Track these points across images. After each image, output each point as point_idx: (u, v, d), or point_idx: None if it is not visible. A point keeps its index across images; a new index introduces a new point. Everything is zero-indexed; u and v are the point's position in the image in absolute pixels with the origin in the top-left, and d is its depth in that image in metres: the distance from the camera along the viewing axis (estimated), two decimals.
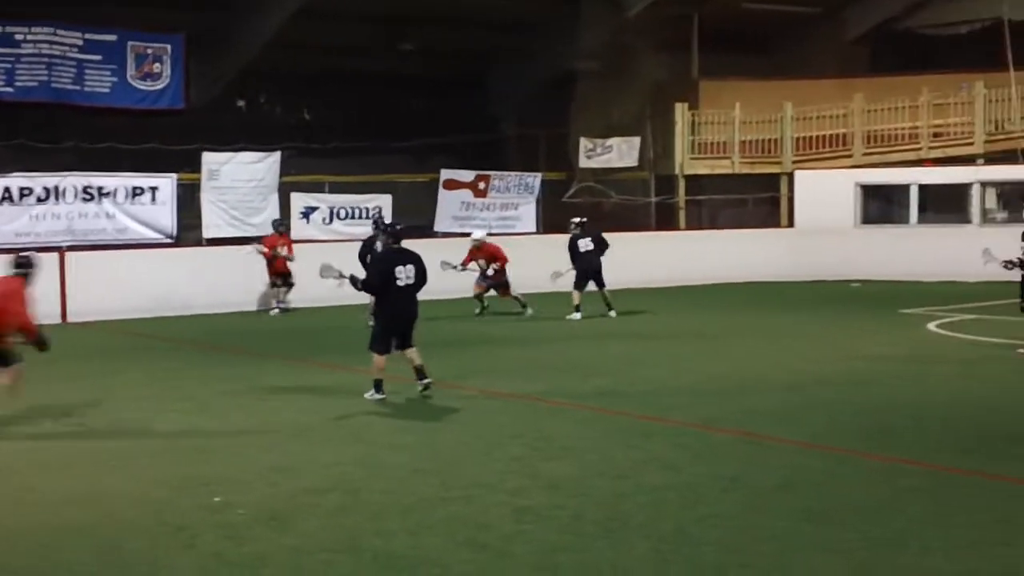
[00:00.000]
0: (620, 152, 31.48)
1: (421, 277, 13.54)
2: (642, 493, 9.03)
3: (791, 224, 30.94)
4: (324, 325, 21.87)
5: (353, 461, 10.29)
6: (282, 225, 25.06)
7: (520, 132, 34.64)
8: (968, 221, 29.01)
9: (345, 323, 21.85)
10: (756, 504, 8.68)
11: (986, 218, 29.15)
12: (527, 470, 9.84)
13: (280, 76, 33.00)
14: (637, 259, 26.46)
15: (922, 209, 29.82)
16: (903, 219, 29.98)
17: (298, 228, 26.70)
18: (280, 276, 24.28)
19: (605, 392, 13.68)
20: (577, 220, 22.80)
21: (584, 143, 31.40)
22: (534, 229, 29.82)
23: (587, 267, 21.87)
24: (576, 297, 21.83)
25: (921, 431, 11.33)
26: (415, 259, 13.58)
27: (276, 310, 24.06)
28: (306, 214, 26.95)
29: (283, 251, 24.29)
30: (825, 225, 29.79)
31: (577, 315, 21.58)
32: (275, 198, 26.57)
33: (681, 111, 31.63)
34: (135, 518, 8.58)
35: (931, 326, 19.52)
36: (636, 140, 31.70)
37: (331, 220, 27.23)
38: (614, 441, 11.04)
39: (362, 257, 19.66)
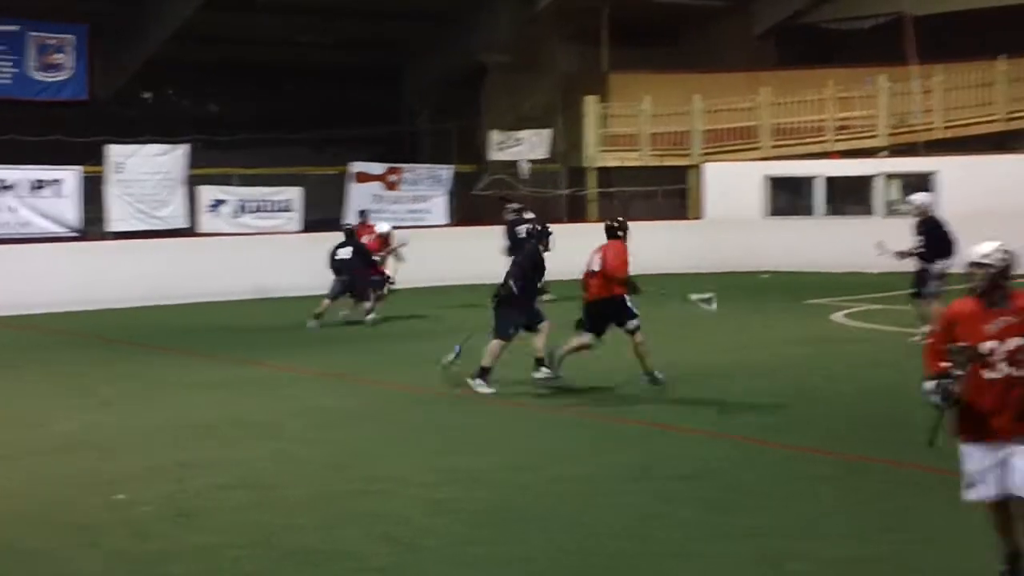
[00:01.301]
0: (530, 144, 31.50)
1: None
2: (552, 484, 9.08)
3: (701, 216, 31.19)
4: (235, 321, 21.65)
5: (264, 457, 10.21)
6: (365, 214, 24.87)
7: (432, 124, 34.59)
8: (872, 213, 29.44)
9: (255, 318, 21.70)
10: (663, 493, 8.76)
11: (890, 210, 29.59)
12: (440, 463, 9.84)
13: (187, 67, 32.62)
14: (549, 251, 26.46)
15: (828, 201, 30.20)
16: (810, 211, 30.35)
17: (207, 222, 26.42)
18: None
19: (518, 384, 13.68)
20: (515, 206, 23.03)
21: (494, 135, 31.40)
22: (445, 222, 29.76)
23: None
24: None
25: (828, 420, 11.49)
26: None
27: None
28: (214, 207, 26.64)
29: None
30: (734, 217, 30.07)
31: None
32: (182, 191, 26.25)
33: (591, 104, 31.74)
34: (36, 517, 8.44)
35: (837, 316, 19.78)
36: (547, 132, 31.75)
37: (240, 213, 26.94)
38: (526, 433, 11.09)
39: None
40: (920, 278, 16.39)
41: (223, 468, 9.81)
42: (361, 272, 19.94)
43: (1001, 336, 6.37)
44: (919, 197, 17.49)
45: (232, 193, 27.11)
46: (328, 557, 7.41)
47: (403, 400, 13.02)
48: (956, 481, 8.88)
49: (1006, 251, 6.41)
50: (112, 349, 18.08)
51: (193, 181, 26.52)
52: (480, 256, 25.71)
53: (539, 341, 13.33)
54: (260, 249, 25.93)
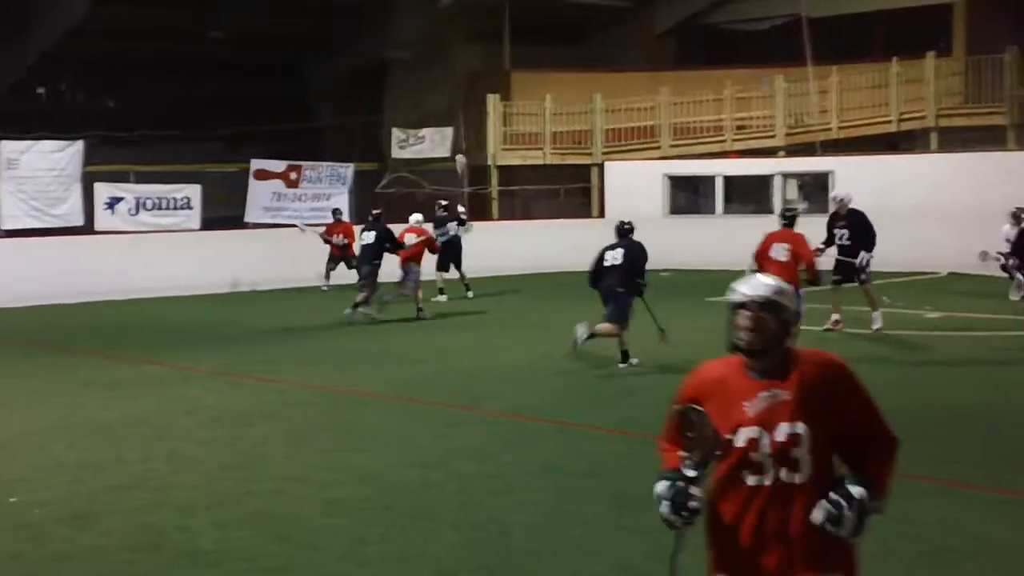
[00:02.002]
0: (432, 142, 31.49)
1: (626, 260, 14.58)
2: (453, 482, 9.07)
3: (602, 215, 31.36)
4: (132, 319, 21.37)
5: (159, 457, 10.08)
6: (338, 213, 26.28)
7: (334, 121, 34.40)
8: (771, 211, 29.80)
9: (152, 317, 21.45)
10: (566, 490, 8.79)
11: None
12: (336, 462, 9.79)
13: (83, 62, 32.16)
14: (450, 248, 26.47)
15: (727, 200, 30.55)
16: (709, 209, 30.70)
17: (103, 219, 26.04)
18: (340, 260, 24.92)
19: (417, 382, 13.68)
20: (445, 203, 23.88)
21: (397, 133, 31.32)
22: (346, 220, 29.57)
23: (451, 250, 23.21)
24: (440, 279, 23.08)
25: None
26: (624, 245, 14.82)
27: (326, 287, 24.93)
28: (111, 205, 26.25)
29: (339, 239, 25.00)
30: (635, 215, 30.00)
31: (443, 297, 22.65)
32: (78, 188, 25.84)
33: (493, 102, 31.78)
34: None
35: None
36: (449, 131, 31.76)
37: (137, 211, 26.58)
38: (425, 431, 11.05)
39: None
40: (844, 269, 16.91)
41: (117, 469, 9.67)
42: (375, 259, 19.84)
43: (767, 420, 4.21)
44: (843, 192, 18.06)
45: (129, 190, 26.75)
46: (221, 558, 7.33)
47: (301, 399, 12.92)
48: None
49: (781, 290, 4.35)
50: (5, 348, 17.74)
51: (89, 178, 26.13)
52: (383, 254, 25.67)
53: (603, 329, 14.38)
54: (158, 247, 25.65)
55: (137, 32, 31.74)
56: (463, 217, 24.21)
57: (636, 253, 14.77)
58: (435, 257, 22.56)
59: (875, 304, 16.96)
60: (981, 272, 22.97)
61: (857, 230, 17.14)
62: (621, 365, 14.43)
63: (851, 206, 17.54)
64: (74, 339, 18.60)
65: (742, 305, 4.32)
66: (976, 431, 10.73)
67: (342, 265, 24.51)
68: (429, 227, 22.29)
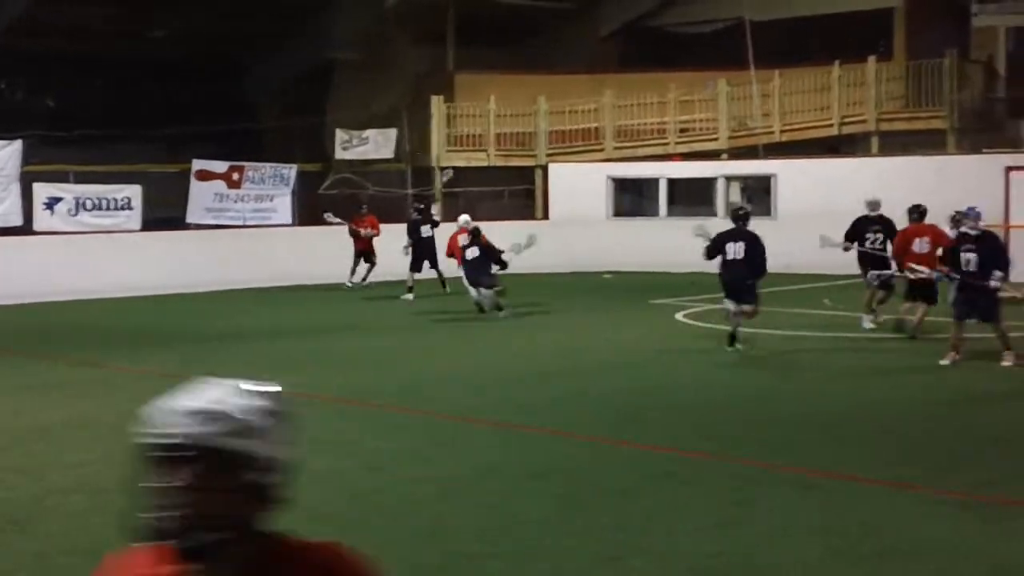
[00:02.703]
0: (376, 144, 31.40)
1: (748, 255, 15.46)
2: (397, 485, 9.04)
3: (547, 216, 31.42)
4: (73, 321, 21.13)
5: (99, 460, 9.95)
6: (364, 207, 26.56)
7: (277, 122, 34.20)
8: (714, 214, 29.98)
9: (94, 318, 21.22)
10: (510, 493, 8.79)
11: (730, 210, 30.17)
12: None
13: (23, 60, 31.71)
14: (395, 250, 26.39)
15: (671, 202, 30.68)
16: (653, 212, 30.81)
17: (42, 220, 25.73)
18: (362, 254, 25.88)
19: (362, 385, 13.62)
20: (420, 205, 24.58)
21: (340, 134, 31.19)
22: (289, 221, 29.45)
23: (427, 250, 23.73)
24: (410, 279, 23.52)
25: (668, 417, 11.66)
26: (745, 237, 15.70)
27: (350, 283, 25.66)
28: (50, 205, 25.92)
29: (367, 231, 25.87)
30: (579, 217, 30.36)
31: (410, 296, 23.04)
32: (17, 188, 25.51)
33: (437, 103, 31.74)
34: None
35: (678, 315, 20.09)
36: (393, 132, 31.68)
37: (77, 211, 26.27)
38: (369, 434, 11.01)
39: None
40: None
41: (58, 472, 9.56)
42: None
43: None
44: (876, 195, 18.46)
45: (69, 190, 26.42)
46: None
47: None
48: (791, 476, 9.14)
49: (240, 425, 2.52)
50: None
51: (28, 178, 25.81)
52: (325, 256, 25.61)
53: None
54: (98, 247, 25.39)
55: (78, 31, 31.39)
56: (436, 219, 24.82)
57: (756, 247, 15.56)
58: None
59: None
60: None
61: (890, 235, 17.75)
62: (729, 348, 15.46)
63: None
64: (12, 340, 18.34)
65: (166, 453, 2.47)
66: (915, 433, 10.83)
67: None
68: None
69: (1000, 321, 14.29)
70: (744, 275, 15.47)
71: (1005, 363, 14.03)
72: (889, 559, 7.18)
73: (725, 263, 15.67)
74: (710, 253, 15.90)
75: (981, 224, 15.01)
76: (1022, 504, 8.31)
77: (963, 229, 15.15)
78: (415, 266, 23.82)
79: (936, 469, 9.35)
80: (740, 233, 15.77)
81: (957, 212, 20.46)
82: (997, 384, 13.36)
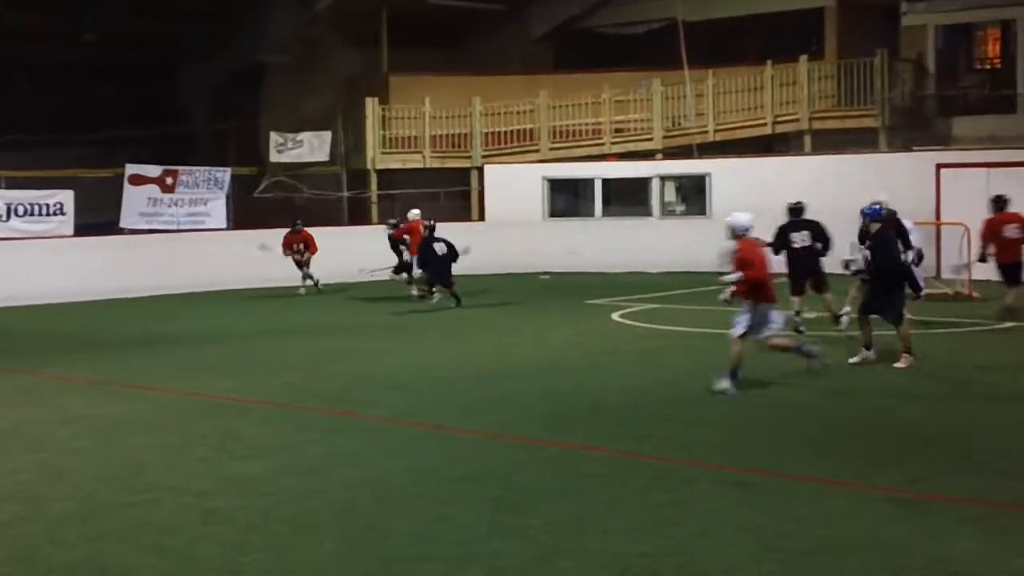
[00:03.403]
0: (311, 146, 31.26)
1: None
2: (332, 489, 9.00)
3: (482, 217, 31.42)
4: (4, 327, 20.87)
5: (30, 469, 9.85)
6: (298, 222, 26.10)
7: (210, 125, 33.97)
8: (650, 214, 30.14)
9: (26, 325, 20.98)
10: (445, 496, 8.77)
11: (665, 211, 30.35)
12: (215, 471, 9.65)
13: None
14: (330, 254, 26.31)
15: (606, 202, 30.78)
16: (589, 212, 30.89)
17: None
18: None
19: (296, 388, 13.56)
20: (430, 223, 23.06)
21: (275, 137, 31.03)
22: (224, 225, 29.25)
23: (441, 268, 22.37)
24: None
25: (601, 417, 11.69)
26: (810, 225, 17.15)
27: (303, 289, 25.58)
28: None
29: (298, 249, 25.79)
30: (515, 218, 30.39)
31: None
32: None
33: (371, 105, 31.65)
34: None
35: (614, 316, 20.16)
36: (327, 135, 31.56)
37: (8, 217, 25.94)
38: (305, 438, 10.95)
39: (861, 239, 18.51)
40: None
41: None
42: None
43: None
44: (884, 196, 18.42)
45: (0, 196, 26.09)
46: (95, 571, 7.19)
47: (179, 407, 12.72)
48: (724, 475, 9.20)
49: None
50: None
51: None
52: (260, 260, 25.45)
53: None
54: (30, 253, 25.10)
55: (8, 34, 31.01)
56: (391, 220, 25.11)
57: (821, 233, 17.17)
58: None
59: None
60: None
61: (819, 235, 17.72)
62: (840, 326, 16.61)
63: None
64: None
65: None
66: (847, 431, 10.94)
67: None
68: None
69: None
70: (818, 253, 17.11)
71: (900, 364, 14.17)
72: (822, 556, 7.23)
73: (793, 252, 17.02)
74: (776, 248, 16.84)
75: (908, 223, 15.31)
76: (951, 500, 8.40)
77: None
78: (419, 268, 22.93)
79: (866, 466, 9.44)
80: (804, 222, 17.33)
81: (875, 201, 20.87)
82: (927, 383, 13.51)
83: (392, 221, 25.14)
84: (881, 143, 29.39)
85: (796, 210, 17.59)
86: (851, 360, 14.35)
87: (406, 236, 23.73)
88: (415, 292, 23.04)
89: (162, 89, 34.30)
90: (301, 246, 25.66)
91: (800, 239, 17.17)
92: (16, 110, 31.82)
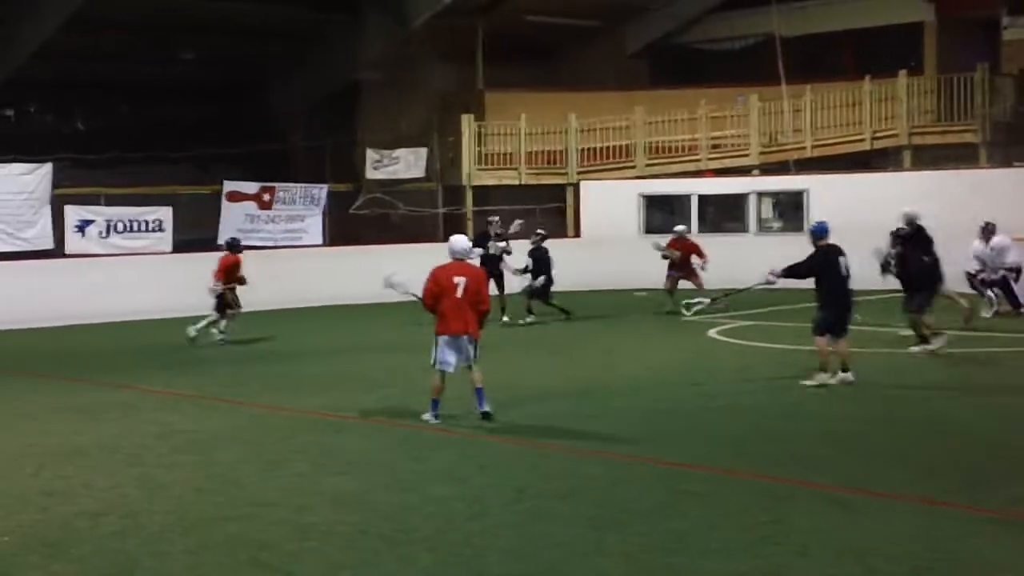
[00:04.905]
0: (407, 163, 31.42)
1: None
2: (428, 505, 8.98)
3: (578, 234, 31.36)
4: (103, 344, 21.20)
5: (130, 483, 9.96)
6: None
7: (306, 143, 34.30)
8: (746, 230, 29.87)
9: (124, 341, 21.28)
10: (541, 513, 8.71)
11: (762, 227, 30.07)
12: (311, 487, 9.68)
13: (51, 84, 31.96)
14: (419, 270, 26.33)
15: (702, 218, 30.55)
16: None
17: (74, 243, 25.87)
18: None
19: (389, 404, 13.57)
20: (542, 232, 23.48)
21: (371, 154, 31.24)
22: (320, 241, 29.50)
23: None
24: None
25: (701, 435, 11.56)
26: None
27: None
28: (81, 228, 26.06)
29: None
30: (611, 234, 30.28)
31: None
32: (48, 211, 25.65)
33: (467, 122, 31.75)
34: None
35: (710, 332, 19.98)
36: (423, 151, 31.71)
37: (108, 234, 26.40)
38: (399, 454, 10.96)
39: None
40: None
41: (87, 495, 9.54)
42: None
43: None
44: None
45: (100, 213, 26.56)
46: None
47: (275, 422, 12.80)
48: (823, 493, 9.04)
49: None
50: None
51: (59, 201, 25.95)
52: (356, 276, 25.58)
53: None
54: (129, 270, 25.48)
55: (106, 54, 31.59)
56: (499, 233, 23.32)
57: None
58: None
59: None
60: (957, 290, 23.02)
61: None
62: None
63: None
64: (44, 364, 18.41)
65: None
66: (950, 449, 10.71)
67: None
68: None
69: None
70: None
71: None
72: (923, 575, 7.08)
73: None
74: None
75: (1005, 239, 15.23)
76: None
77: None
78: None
79: (970, 486, 9.22)
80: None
81: (987, 222, 20.60)
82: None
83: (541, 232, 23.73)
84: (981, 159, 28.87)
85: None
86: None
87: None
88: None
89: (257, 107, 34.71)
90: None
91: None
92: (114, 129, 32.43)
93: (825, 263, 14.24)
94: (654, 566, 7.37)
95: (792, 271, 14.67)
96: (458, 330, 12.22)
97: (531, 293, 22.41)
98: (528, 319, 22.14)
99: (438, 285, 12.24)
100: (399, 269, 13.76)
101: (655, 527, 8.22)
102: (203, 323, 19.76)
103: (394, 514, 8.74)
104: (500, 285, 22.10)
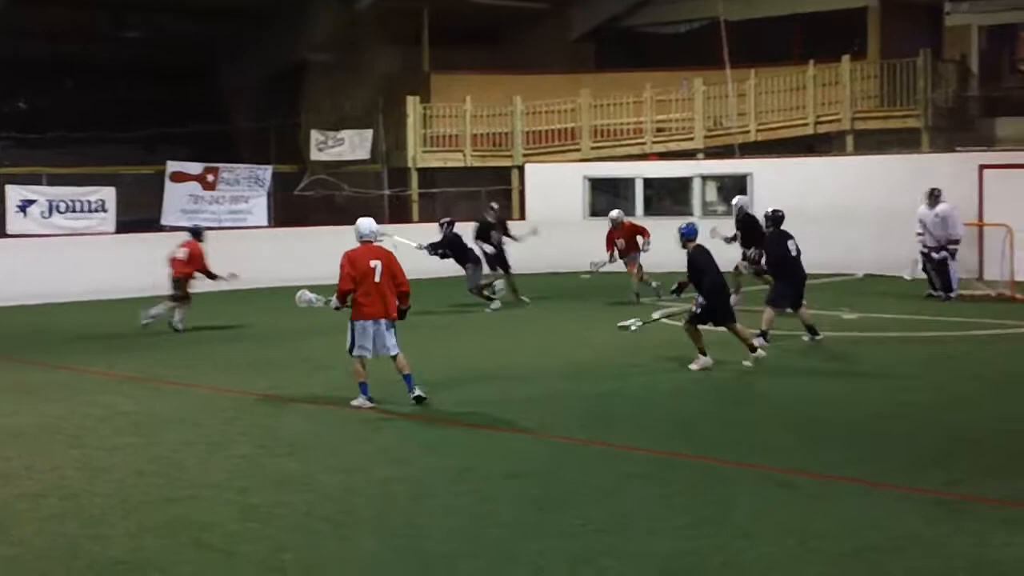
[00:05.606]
0: (352, 145, 31.31)
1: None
2: (371, 487, 8.99)
3: (523, 216, 31.36)
4: (47, 324, 21.01)
5: (72, 464, 9.89)
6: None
7: (251, 123, 34.10)
8: (691, 213, 30.00)
9: (66, 322, 21.10)
10: (485, 493, 8.75)
11: (707, 210, 30.20)
12: (254, 468, 9.67)
13: None
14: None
15: (647, 202, 30.65)
16: (629, 211, 30.74)
17: (15, 223, 25.59)
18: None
19: (333, 386, 13.53)
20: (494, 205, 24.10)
21: (315, 135, 31.09)
22: (265, 223, 29.34)
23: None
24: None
25: (643, 418, 11.64)
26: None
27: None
28: (23, 207, 25.76)
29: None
30: (555, 217, 30.26)
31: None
32: None
33: (413, 104, 31.67)
34: None
35: (655, 315, 20.03)
36: (368, 133, 31.60)
37: (51, 213, 26.12)
38: (343, 435, 10.96)
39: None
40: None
41: (28, 476, 9.48)
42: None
43: None
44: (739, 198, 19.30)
45: (42, 193, 26.25)
46: (135, 566, 7.21)
47: (219, 404, 12.75)
48: (766, 475, 9.13)
49: None
50: None
51: (1, 180, 25.66)
52: (301, 258, 25.49)
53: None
54: (71, 250, 25.25)
55: (50, 33, 31.26)
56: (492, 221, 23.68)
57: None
58: None
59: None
60: (896, 273, 23.31)
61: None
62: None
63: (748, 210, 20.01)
64: None
65: None
66: (892, 432, 10.84)
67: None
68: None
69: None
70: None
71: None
72: (865, 556, 7.16)
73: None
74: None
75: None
76: (992, 502, 8.30)
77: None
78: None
79: (907, 467, 9.35)
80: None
81: (934, 189, 21.07)
82: (969, 383, 13.40)
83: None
84: (924, 144, 29.15)
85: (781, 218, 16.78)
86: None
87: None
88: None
89: (202, 87, 34.47)
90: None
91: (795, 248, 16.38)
92: (57, 108, 32.09)
93: (704, 263, 14.35)
94: (600, 548, 7.41)
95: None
96: (376, 314, 12.14)
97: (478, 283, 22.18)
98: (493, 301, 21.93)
99: (356, 269, 12.08)
100: (341, 251, 13.58)
101: (600, 509, 8.27)
102: (158, 309, 19.44)
103: (337, 495, 8.75)
104: (506, 268, 22.73)
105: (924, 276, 21.86)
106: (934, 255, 21.37)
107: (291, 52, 33.15)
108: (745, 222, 20.48)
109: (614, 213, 23.42)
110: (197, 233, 20.25)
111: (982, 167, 24.93)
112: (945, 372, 14.09)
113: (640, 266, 22.55)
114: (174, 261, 19.53)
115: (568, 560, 7.20)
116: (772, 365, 14.37)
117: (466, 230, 23.13)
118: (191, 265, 19.44)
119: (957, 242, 21.40)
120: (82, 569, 7.22)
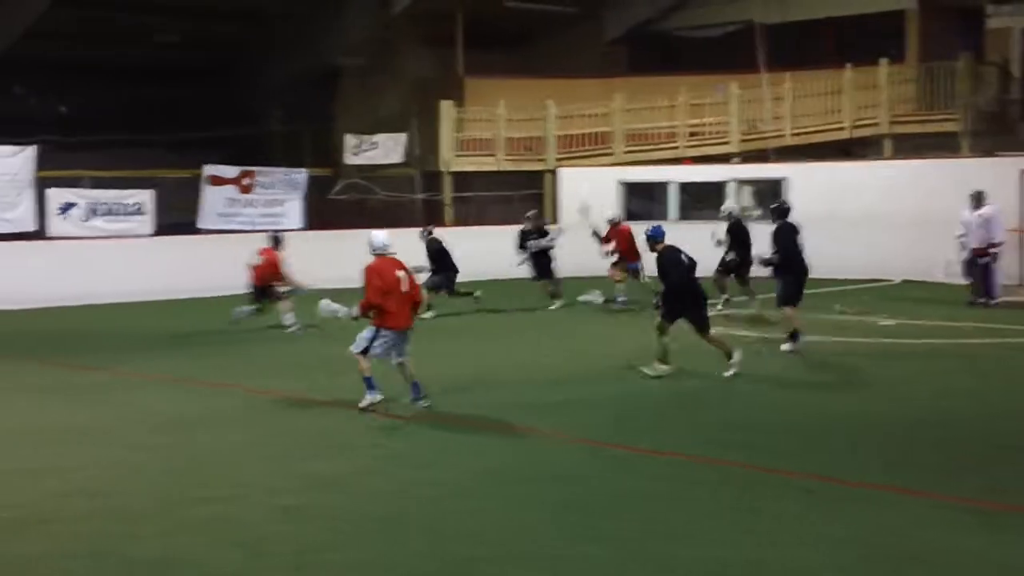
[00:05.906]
0: (386, 149, 31.40)
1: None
2: (406, 489, 9.03)
3: (555, 221, 31.34)
4: (85, 326, 21.16)
5: (105, 464, 9.98)
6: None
7: (285, 127, 34.26)
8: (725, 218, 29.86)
9: (105, 323, 21.24)
10: (515, 498, 8.77)
11: (743, 215, 30.07)
12: (289, 469, 9.72)
13: (36, 66, 31.81)
14: (405, 255, 26.31)
15: (681, 206, 30.58)
16: (663, 215, 30.69)
17: (56, 225, 25.81)
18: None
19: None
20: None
21: (349, 139, 31.20)
22: (300, 226, 29.45)
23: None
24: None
25: (677, 423, 11.62)
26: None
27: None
28: (63, 210, 26.00)
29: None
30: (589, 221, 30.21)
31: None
32: (31, 193, 25.59)
33: (446, 108, 31.73)
34: None
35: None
36: (402, 137, 31.68)
37: (90, 217, 26.34)
38: (375, 438, 11.01)
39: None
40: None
41: (62, 476, 9.57)
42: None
43: None
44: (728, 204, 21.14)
45: (83, 195, 26.49)
46: (170, 565, 7.27)
47: (253, 405, 12.83)
48: (801, 483, 9.10)
49: None
50: None
51: (42, 184, 25.89)
52: (335, 261, 25.53)
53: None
54: (111, 252, 25.45)
55: (89, 36, 31.52)
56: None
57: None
58: None
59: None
60: (935, 280, 23.16)
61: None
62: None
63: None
64: (23, 345, 18.37)
65: None
66: (928, 438, 10.78)
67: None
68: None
69: None
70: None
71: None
72: (895, 564, 7.14)
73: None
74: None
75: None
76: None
77: None
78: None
79: (941, 475, 9.30)
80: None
81: (977, 191, 20.97)
82: (1004, 392, 13.31)
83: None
84: (963, 148, 28.90)
85: (787, 210, 16.90)
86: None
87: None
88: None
89: (237, 91, 34.64)
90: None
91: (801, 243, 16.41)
92: (98, 111, 32.32)
93: (670, 263, 14.21)
94: (622, 551, 7.41)
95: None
96: (405, 324, 12.25)
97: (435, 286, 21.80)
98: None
99: (385, 281, 12.12)
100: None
101: (623, 513, 8.26)
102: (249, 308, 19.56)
103: (368, 497, 8.80)
104: (549, 272, 23.21)
105: (959, 276, 21.63)
106: (978, 260, 21.10)
107: (325, 55, 33.29)
108: (735, 228, 20.99)
109: (610, 213, 24.38)
110: (277, 241, 20.28)
111: (1023, 171, 24.77)
112: (984, 379, 13.98)
113: (636, 271, 22.77)
114: (253, 268, 19.66)
115: (592, 565, 7.20)
116: (807, 370, 14.33)
117: (496, 234, 23.18)
118: (275, 270, 19.56)
119: (998, 245, 21.21)
120: (116, 567, 7.29)
